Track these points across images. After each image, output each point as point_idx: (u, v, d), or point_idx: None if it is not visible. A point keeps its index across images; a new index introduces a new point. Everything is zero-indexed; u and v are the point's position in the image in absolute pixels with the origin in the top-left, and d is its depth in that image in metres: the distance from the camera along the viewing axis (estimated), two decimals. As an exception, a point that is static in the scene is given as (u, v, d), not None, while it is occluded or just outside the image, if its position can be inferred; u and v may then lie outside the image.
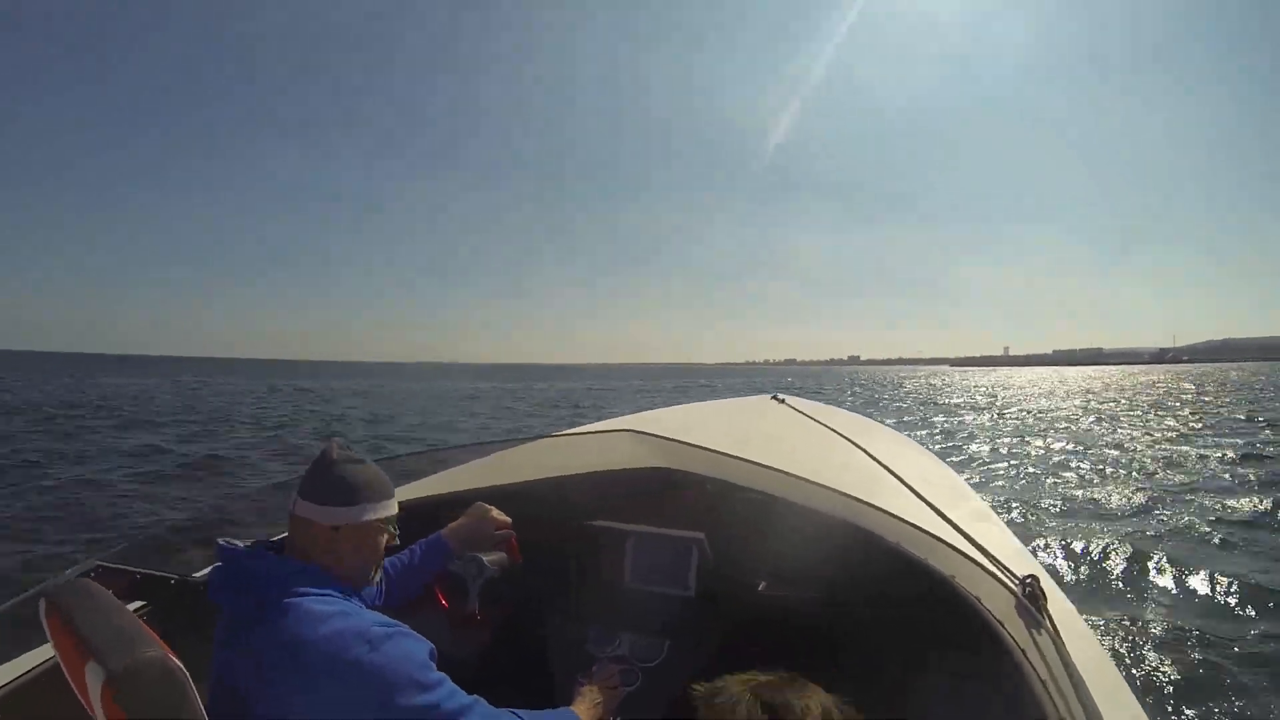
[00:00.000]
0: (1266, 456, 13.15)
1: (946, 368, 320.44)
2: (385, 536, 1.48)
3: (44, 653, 1.58)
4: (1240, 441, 15.56)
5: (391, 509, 1.48)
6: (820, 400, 5.02)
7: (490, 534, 2.01)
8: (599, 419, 4.56)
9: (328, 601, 1.28)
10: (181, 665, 1.08)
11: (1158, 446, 15.23)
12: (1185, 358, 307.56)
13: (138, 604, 1.77)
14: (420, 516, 2.00)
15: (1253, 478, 10.84)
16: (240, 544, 1.39)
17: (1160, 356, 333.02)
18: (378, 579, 1.57)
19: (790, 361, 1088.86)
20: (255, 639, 1.23)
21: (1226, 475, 11.22)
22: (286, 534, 1.43)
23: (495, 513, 2.02)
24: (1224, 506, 8.57)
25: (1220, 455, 13.22)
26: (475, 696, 1.31)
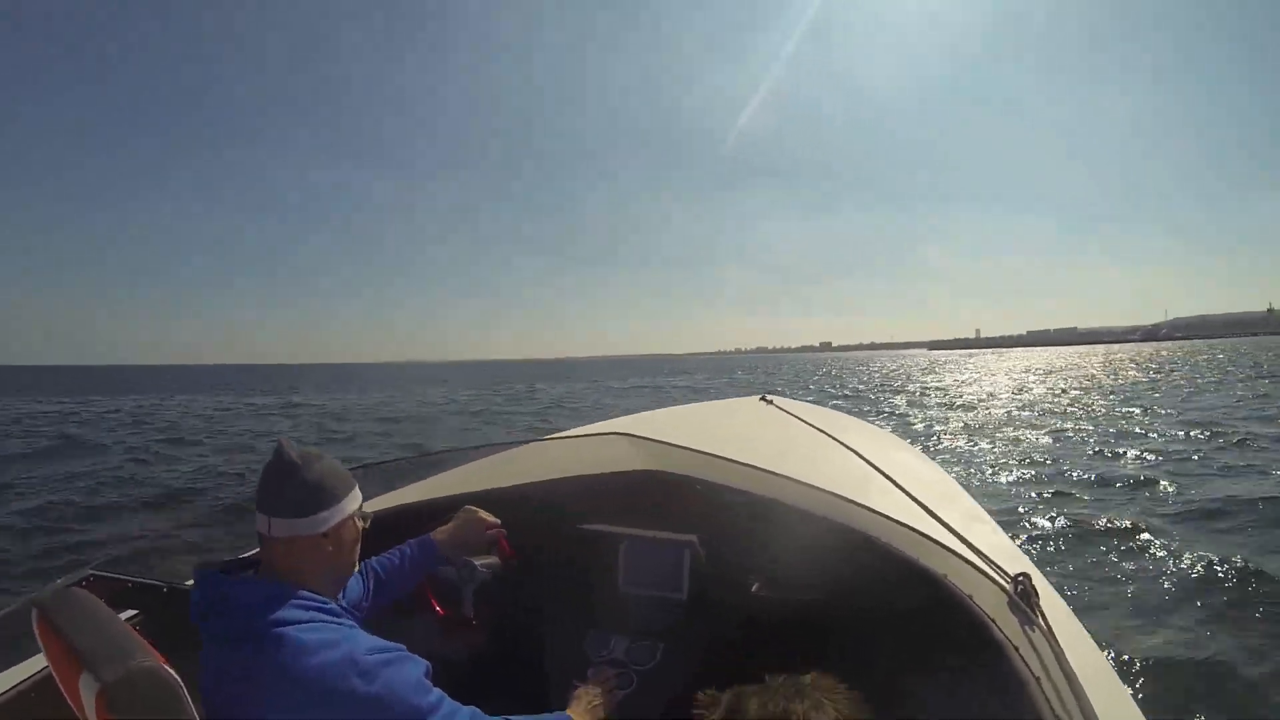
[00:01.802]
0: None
1: (924, 351, 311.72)
2: (361, 524, 1.45)
3: (37, 663, 1.55)
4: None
5: (359, 496, 1.44)
6: (807, 400, 5.22)
7: (479, 535, 2.01)
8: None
9: (317, 629, 1.22)
10: (175, 674, 1.08)
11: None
12: (1179, 334, 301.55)
13: (130, 612, 1.75)
14: (411, 521, 2.03)
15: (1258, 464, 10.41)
16: (216, 566, 1.33)
17: (1153, 334, 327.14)
18: (361, 571, 1.54)
19: (760, 349, 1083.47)
20: (241, 669, 1.19)
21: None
22: (259, 553, 1.37)
23: (483, 514, 2.02)
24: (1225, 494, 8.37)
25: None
26: (472, 709, 1.30)
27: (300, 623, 1.22)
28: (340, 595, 1.47)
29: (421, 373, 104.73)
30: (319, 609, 1.28)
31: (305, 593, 1.29)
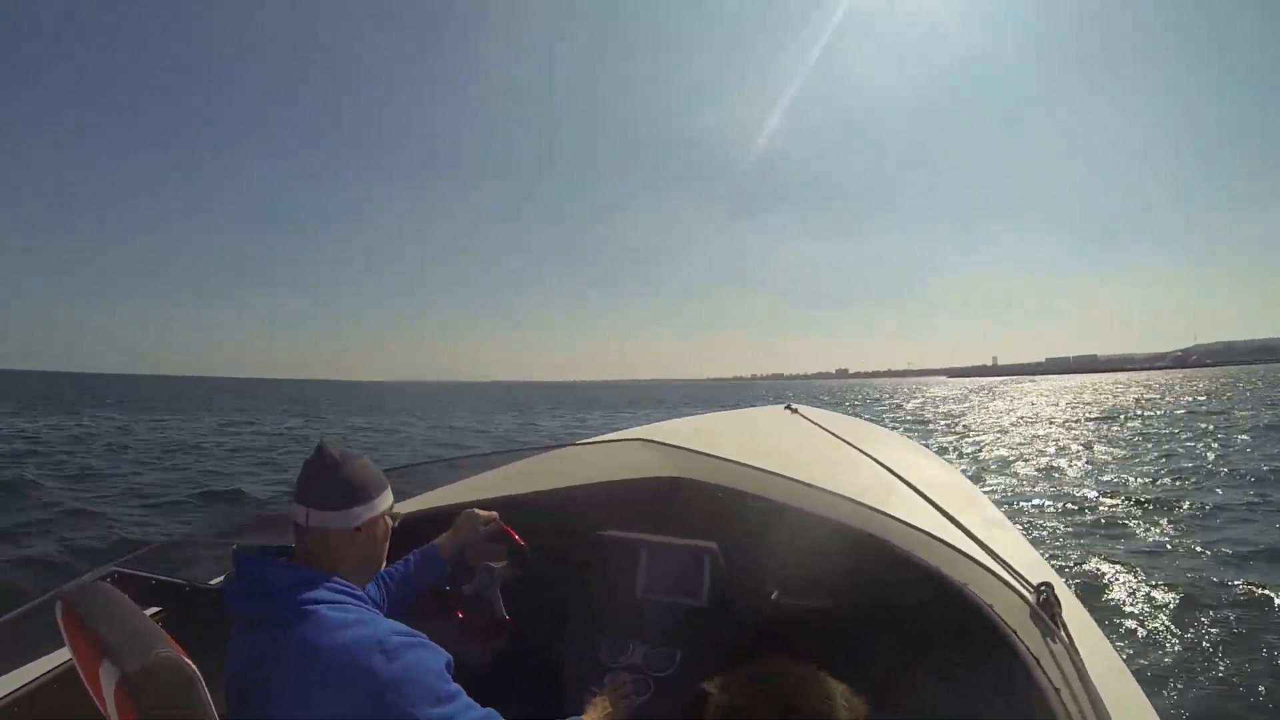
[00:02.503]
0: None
1: (943, 379, 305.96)
2: (391, 521, 1.53)
3: (60, 655, 1.60)
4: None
5: (391, 496, 1.52)
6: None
7: (480, 535, 2.05)
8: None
9: (344, 609, 1.29)
10: (195, 667, 1.09)
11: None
12: (1209, 361, 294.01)
13: (153, 610, 1.81)
14: (429, 526, 2.05)
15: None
16: (254, 550, 1.40)
17: (1183, 361, 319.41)
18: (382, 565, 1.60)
19: (776, 375, 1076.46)
20: (272, 646, 1.24)
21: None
22: (295, 543, 1.43)
23: (479, 512, 2.06)
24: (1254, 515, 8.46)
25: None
26: (489, 710, 1.32)
27: (331, 603, 1.29)
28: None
29: (436, 394, 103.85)
30: (348, 594, 1.35)
31: (336, 579, 1.36)
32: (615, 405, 56.26)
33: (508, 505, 2.22)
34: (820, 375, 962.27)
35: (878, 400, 60.08)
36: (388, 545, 1.54)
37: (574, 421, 34.85)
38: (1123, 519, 8.76)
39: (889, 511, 2.17)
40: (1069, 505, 9.77)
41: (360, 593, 1.39)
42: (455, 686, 1.28)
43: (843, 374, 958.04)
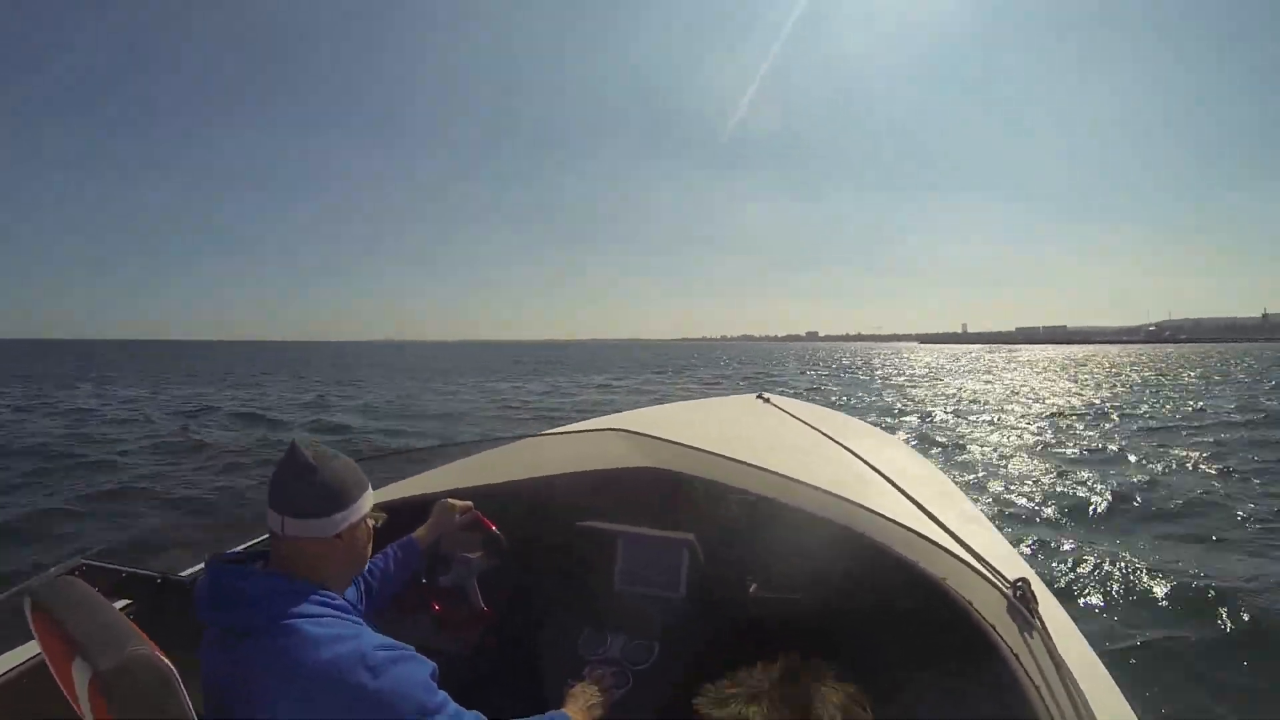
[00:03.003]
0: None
1: (914, 344, 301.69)
2: (374, 522, 1.46)
3: (29, 650, 1.58)
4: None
5: (372, 494, 1.44)
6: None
7: (456, 526, 2.02)
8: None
9: (326, 624, 1.24)
10: (169, 663, 1.08)
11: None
12: (1183, 336, 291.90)
13: (123, 602, 1.77)
14: (402, 518, 1.98)
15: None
16: (228, 556, 1.35)
17: (1157, 336, 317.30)
18: (365, 568, 1.56)
19: (746, 337, 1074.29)
20: (251, 661, 1.19)
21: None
22: (270, 548, 1.37)
23: (453, 501, 2.03)
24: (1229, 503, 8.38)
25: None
26: (476, 713, 1.31)
27: (312, 617, 1.24)
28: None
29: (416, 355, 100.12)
30: (330, 605, 1.29)
31: (317, 589, 1.30)
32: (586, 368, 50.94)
33: (483, 494, 2.21)
34: (790, 338, 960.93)
35: (868, 369, 50.13)
36: (370, 547, 1.48)
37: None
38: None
39: (866, 505, 2.17)
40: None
41: (342, 602, 1.33)
42: (442, 695, 1.26)
43: (812, 336, 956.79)
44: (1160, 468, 10.62)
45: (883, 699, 1.40)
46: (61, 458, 11.53)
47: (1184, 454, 11.64)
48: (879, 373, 41.40)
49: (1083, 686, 1.39)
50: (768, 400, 4.40)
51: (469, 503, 2.06)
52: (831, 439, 3.25)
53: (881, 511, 2.13)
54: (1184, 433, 14.84)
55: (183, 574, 1.93)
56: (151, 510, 7.88)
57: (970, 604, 1.75)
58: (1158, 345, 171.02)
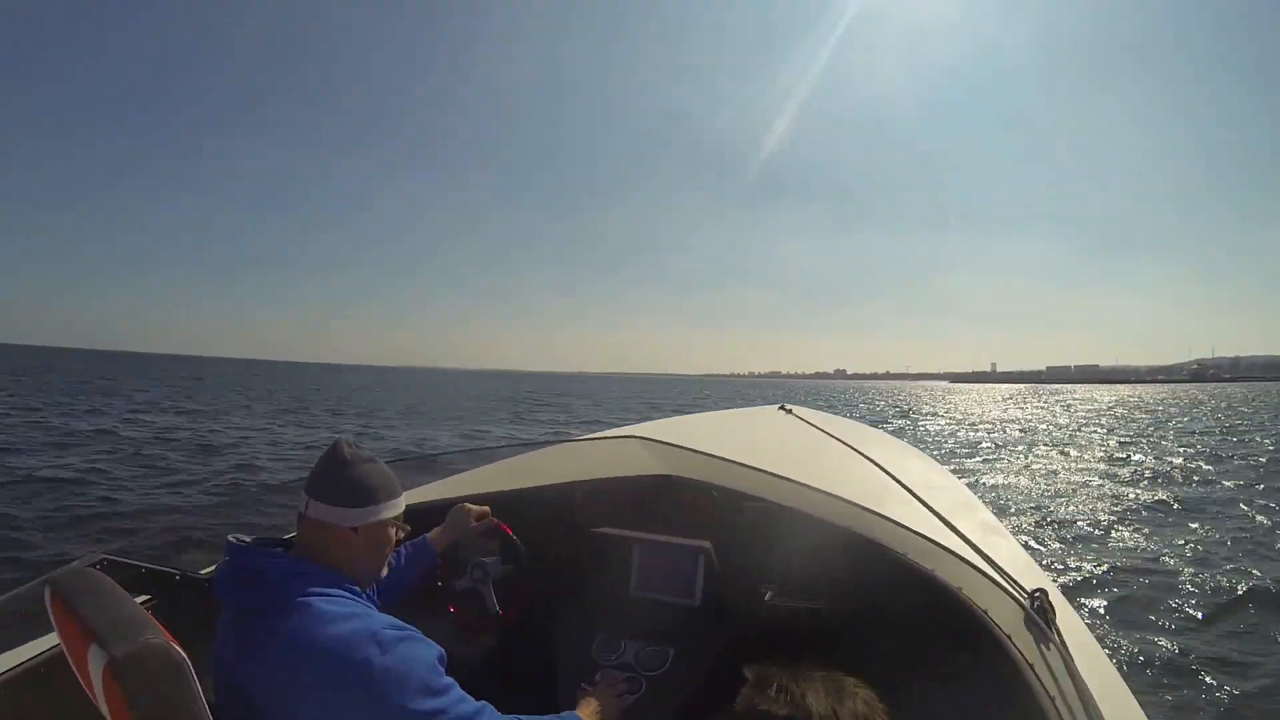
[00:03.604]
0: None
1: (945, 384, 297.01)
2: (395, 532, 1.51)
3: (49, 640, 1.61)
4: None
5: (402, 505, 1.51)
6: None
7: (471, 528, 2.06)
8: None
9: (339, 603, 1.29)
10: (184, 653, 1.09)
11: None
12: (1226, 375, 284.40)
13: (143, 598, 1.81)
14: (426, 520, 2.03)
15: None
16: (249, 540, 1.39)
17: (1200, 373, 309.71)
18: (384, 574, 1.58)
19: (774, 374, 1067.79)
20: (264, 637, 1.23)
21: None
22: (295, 533, 1.44)
23: (470, 506, 2.07)
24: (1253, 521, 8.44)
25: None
26: (483, 702, 1.33)
27: (323, 596, 1.29)
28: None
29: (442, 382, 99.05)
30: (341, 586, 1.35)
31: (333, 573, 1.36)
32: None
33: (501, 500, 2.23)
34: (818, 375, 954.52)
35: (909, 417, 39.48)
36: (388, 554, 1.52)
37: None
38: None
39: (884, 513, 2.16)
40: None
41: (355, 587, 1.39)
42: (449, 679, 1.28)
43: (840, 374, 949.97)
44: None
45: (895, 707, 1.35)
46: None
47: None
48: (925, 423, 31.91)
49: (1098, 698, 1.36)
50: (790, 411, 4.35)
51: (486, 508, 2.09)
52: (852, 448, 3.22)
53: (899, 520, 2.11)
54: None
55: (201, 572, 1.96)
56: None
57: (986, 613, 1.74)
58: (1203, 385, 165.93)
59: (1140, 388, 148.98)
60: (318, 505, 1.38)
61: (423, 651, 1.27)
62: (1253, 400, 55.98)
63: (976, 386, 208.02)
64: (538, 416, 31.68)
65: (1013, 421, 33.62)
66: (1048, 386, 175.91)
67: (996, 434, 25.34)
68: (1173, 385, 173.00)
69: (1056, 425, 29.33)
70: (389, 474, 1.48)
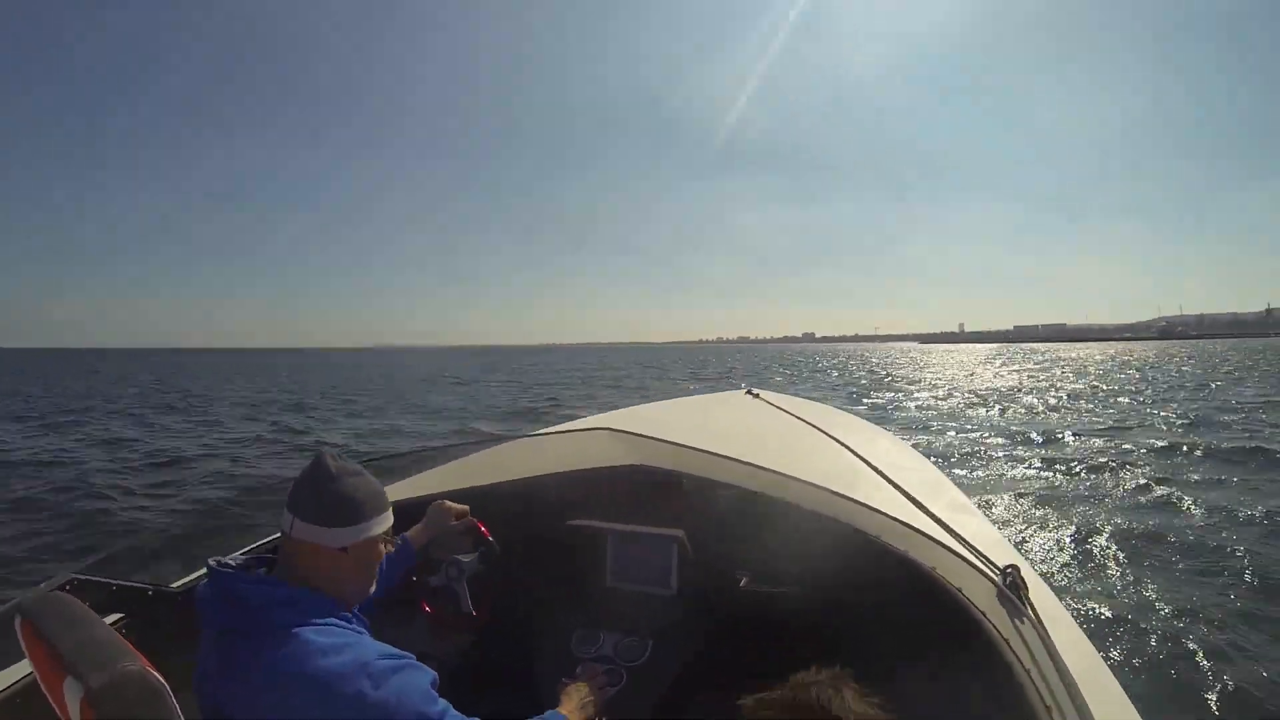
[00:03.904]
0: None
1: (915, 345, 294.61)
2: (384, 546, 1.45)
3: (21, 669, 1.55)
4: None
5: (390, 518, 1.44)
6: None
7: (451, 528, 2.02)
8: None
9: (329, 632, 1.24)
10: (161, 678, 1.08)
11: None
12: (1193, 333, 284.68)
13: (115, 616, 1.76)
14: (401, 517, 1.95)
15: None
16: (232, 564, 1.32)
17: (1169, 331, 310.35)
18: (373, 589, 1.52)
19: (743, 339, 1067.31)
20: (247, 659, 1.19)
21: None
22: (277, 553, 1.37)
23: (450, 504, 2.03)
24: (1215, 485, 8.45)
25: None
26: (475, 718, 1.31)
27: (313, 625, 1.23)
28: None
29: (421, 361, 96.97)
30: (331, 613, 1.29)
31: (320, 597, 1.30)
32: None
33: (473, 495, 2.19)
34: (786, 339, 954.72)
35: (890, 380, 36.93)
36: (377, 571, 1.45)
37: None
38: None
39: (855, 497, 2.16)
40: None
41: (344, 612, 1.33)
42: (443, 704, 1.25)
43: (809, 338, 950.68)
44: None
45: (873, 688, 1.37)
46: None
47: None
48: (918, 396, 25.81)
49: (1073, 669, 1.38)
50: (756, 395, 4.35)
51: (465, 507, 2.05)
52: (821, 431, 3.23)
53: (870, 503, 2.12)
54: None
55: (174, 585, 1.91)
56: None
57: (959, 591, 1.75)
58: (1170, 341, 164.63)
59: (1114, 345, 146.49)
60: (303, 525, 1.30)
61: (416, 679, 1.23)
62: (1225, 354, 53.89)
63: (950, 346, 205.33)
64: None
65: (1018, 389, 27.26)
66: (1023, 346, 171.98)
67: (1018, 413, 18.75)
68: (1143, 342, 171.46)
69: (1079, 397, 22.71)
70: (377, 487, 1.41)
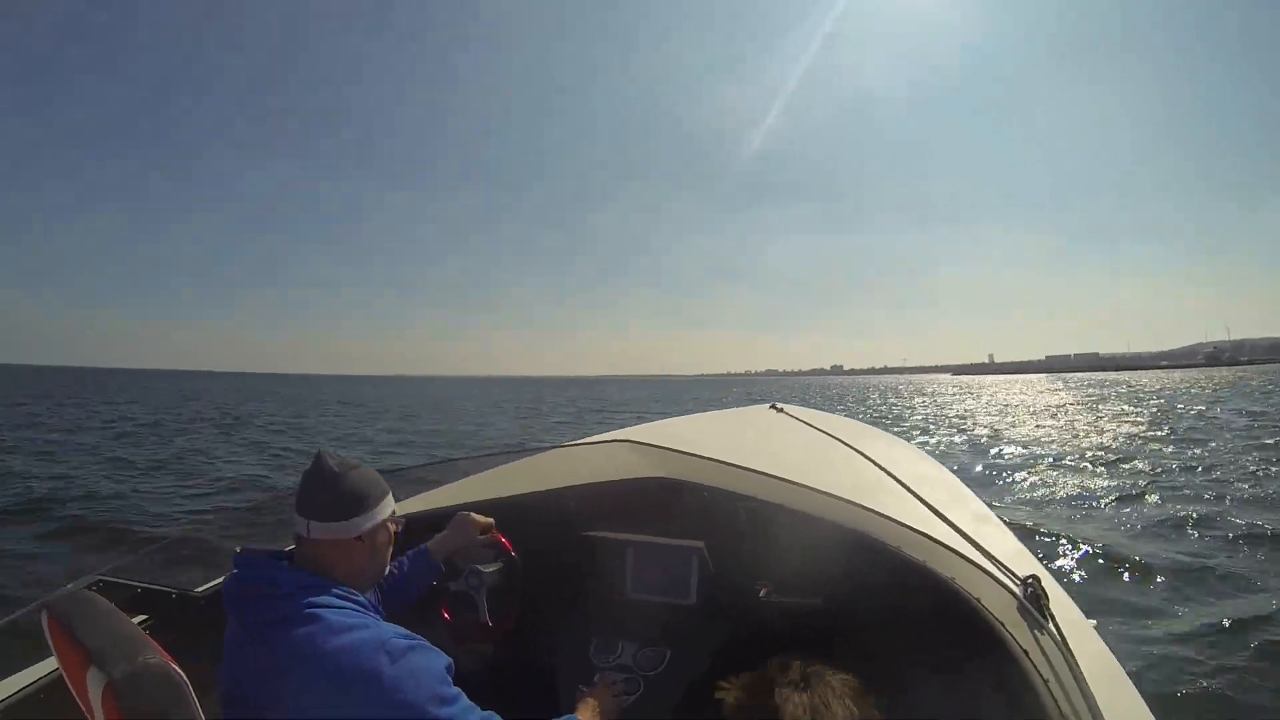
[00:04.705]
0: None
1: (949, 376, 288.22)
2: (393, 527, 1.54)
3: (47, 665, 1.62)
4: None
5: (392, 501, 1.54)
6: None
7: (474, 539, 2.06)
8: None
9: (347, 614, 1.32)
10: (183, 673, 1.10)
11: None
12: (1243, 359, 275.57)
13: (140, 617, 1.80)
14: (418, 530, 2.03)
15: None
16: (256, 552, 1.41)
17: (1216, 358, 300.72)
18: (387, 572, 1.63)
19: (770, 372, 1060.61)
20: (273, 648, 1.26)
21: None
22: (295, 551, 1.44)
23: (475, 516, 2.06)
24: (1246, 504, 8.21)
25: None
26: (490, 713, 1.35)
27: (334, 607, 1.32)
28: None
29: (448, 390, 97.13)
30: (350, 599, 1.38)
31: (341, 584, 1.39)
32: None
33: (494, 507, 2.22)
34: (815, 372, 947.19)
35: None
36: (391, 550, 1.56)
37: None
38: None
39: (876, 508, 2.16)
40: None
41: (362, 599, 1.41)
42: (456, 689, 1.30)
43: (837, 370, 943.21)
44: None
45: (892, 699, 1.41)
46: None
47: None
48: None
49: (1095, 683, 1.39)
50: (781, 410, 4.31)
51: (491, 520, 2.08)
52: (843, 443, 3.23)
53: (890, 514, 2.13)
54: None
55: (197, 590, 1.96)
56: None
57: (979, 602, 1.75)
58: (1223, 369, 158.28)
59: (1177, 372, 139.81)
60: (318, 525, 1.40)
61: (432, 660, 1.29)
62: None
63: (1004, 378, 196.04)
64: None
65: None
66: (1085, 375, 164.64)
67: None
68: (1198, 370, 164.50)
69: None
70: (375, 475, 1.51)
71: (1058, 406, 35.98)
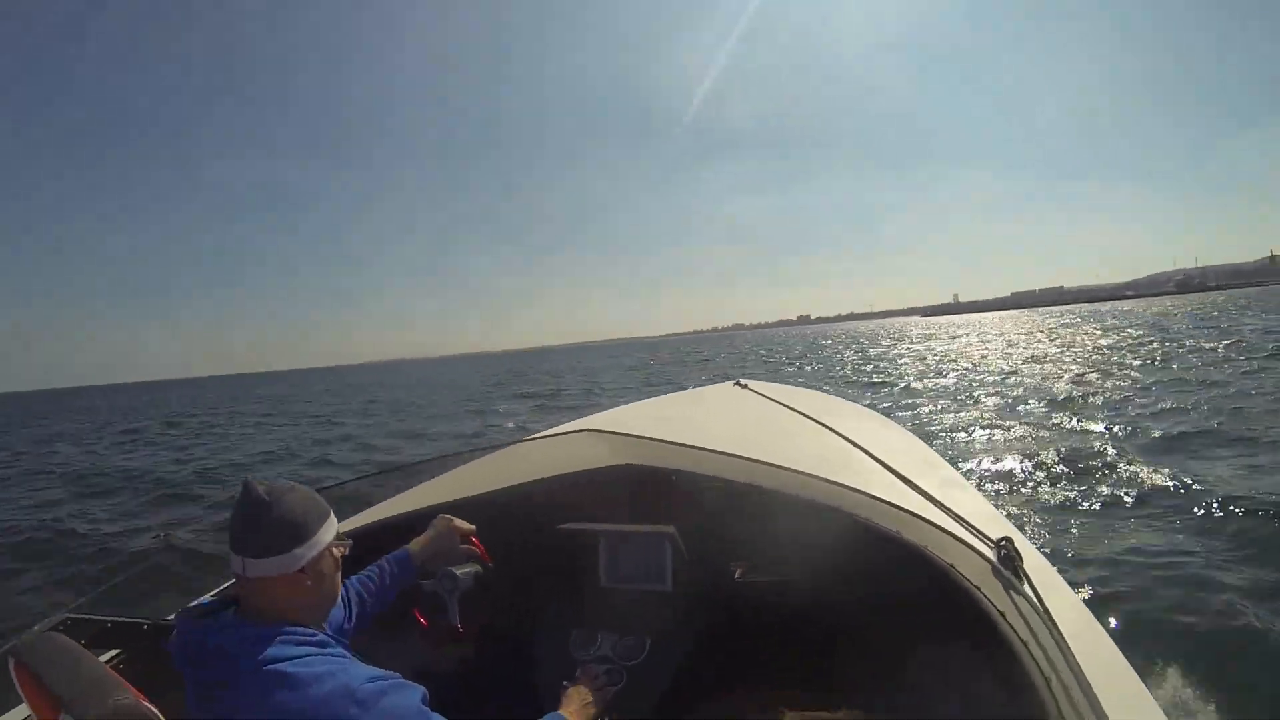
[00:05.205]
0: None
1: (917, 318, 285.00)
2: (339, 551, 1.41)
3: (18, 714, 1.56)
4: None
5: (335, 522, 1.40)
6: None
7: (455, 544, 2.00)
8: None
9: (309, 663, 1.20)
10: (156, 711, 1.11)
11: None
12: (1212, 284, 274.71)
13: (111, 653, 1.75)
14: (389, 536, 2.00)
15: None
16: (197, 612, 1.30)
17: (1186, 285, 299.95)
18: (340, 594, 1.51)
19: (737, 326, 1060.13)
20: (232, 711, 1.17)
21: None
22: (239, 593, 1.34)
23: (458, 521, 2.01)
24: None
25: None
26: None
27: (291, 659, 1.20)
28: (325, 623, 1.43)
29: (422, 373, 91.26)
30: (307, 642, 1.25)
31: (290, 628, 1.26)
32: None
33: (465, 507, 2.21)
34: (781, 323, 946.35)
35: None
36: (339, 575, 1.43)
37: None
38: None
39: (845, 482, 2.17)
40: None
41: (321, 637, 1.28)
42: (436, 718, 1.24)
43: (804, 320, 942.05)
44: None
45: (871, 671, 1.44)
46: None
47: None
48: None
49: (1071, 638, 1.42)
50: (745, 386, 4.29)
51: (473, 528, 2.02)
52: (810, 418, 3.21)
53: (860, 486, 2.12)
54: None
55: (169, 618, 1.90)
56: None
57: (953, 567, 1.75)
58: (1189, 295, 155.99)
59: (1163, 300, 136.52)
60: (255, 563, 1.25)
61: (407, 698, 1.22)
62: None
63: (977, 316, 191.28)
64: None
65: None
66: (1071, 308, 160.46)
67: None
68: (1169, 298, 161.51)
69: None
70: (312, 495, 1.37)
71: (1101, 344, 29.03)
